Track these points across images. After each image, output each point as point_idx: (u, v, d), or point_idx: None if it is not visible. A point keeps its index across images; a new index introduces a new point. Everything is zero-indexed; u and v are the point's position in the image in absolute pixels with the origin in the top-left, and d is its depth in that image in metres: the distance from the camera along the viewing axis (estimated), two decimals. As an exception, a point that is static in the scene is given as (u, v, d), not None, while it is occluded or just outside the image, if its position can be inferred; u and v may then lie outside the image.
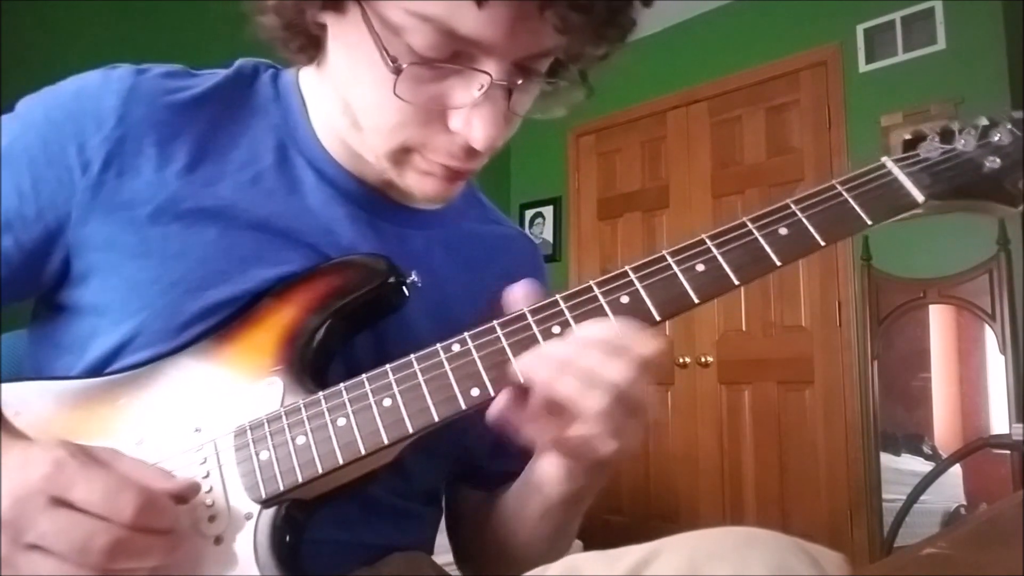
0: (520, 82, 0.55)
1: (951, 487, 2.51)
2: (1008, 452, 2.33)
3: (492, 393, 0.52)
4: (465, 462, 0.74)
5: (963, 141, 0.55)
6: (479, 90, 0.53)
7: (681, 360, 3.35)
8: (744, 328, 3.20)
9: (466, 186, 0.74)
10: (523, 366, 0.52)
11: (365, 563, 0.64)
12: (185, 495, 0.50)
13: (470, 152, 0.57)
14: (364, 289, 0.58)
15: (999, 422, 2.45)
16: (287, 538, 0.52)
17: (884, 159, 0.56)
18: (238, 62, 0.68)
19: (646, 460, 3.44)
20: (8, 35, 2.38)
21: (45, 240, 0.59)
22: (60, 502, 0.45)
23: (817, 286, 3.00)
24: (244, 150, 0.64)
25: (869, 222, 0.54)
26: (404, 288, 0.59)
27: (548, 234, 3.91)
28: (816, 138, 3.08)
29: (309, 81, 0.67)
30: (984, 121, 0.56)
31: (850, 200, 0.55)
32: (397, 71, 0.52)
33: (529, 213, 4.01)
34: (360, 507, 0.62)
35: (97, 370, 0.59)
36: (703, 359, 3.29)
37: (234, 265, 0.60)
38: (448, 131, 0.56)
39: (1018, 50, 2.46)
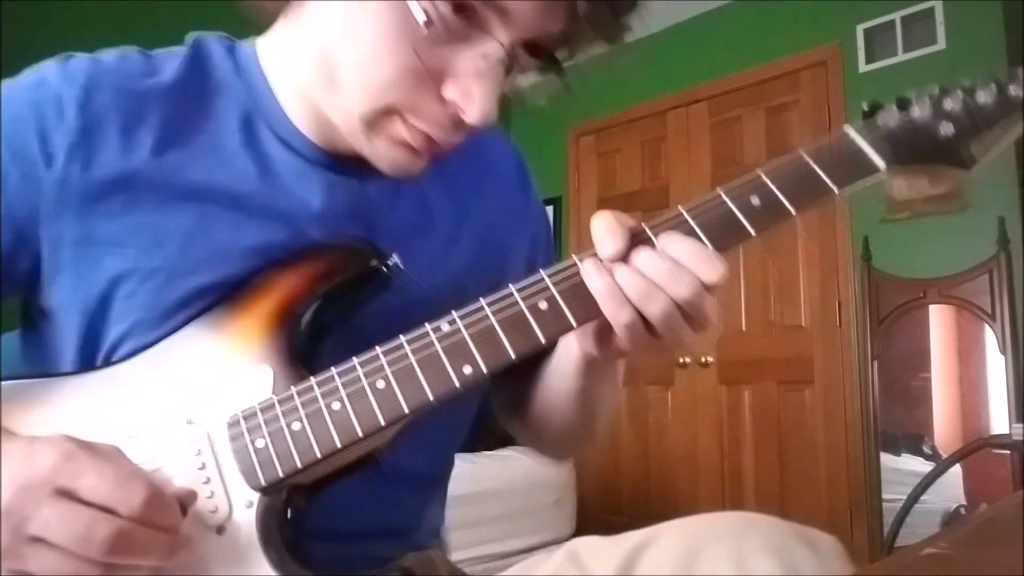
0: (522, 62, 0.55)
1: (951, 487, 2.51)
2: (1008, 452, 2.33)
3: (484, 370, 0.52)
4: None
5: (918, 109, 0.58)
6: (486, 60, 0.53)
7: (681, 360, 3.35)
8: (744, 328, 3.19)
9: None
10: (592, 270, 0.53)
11: (375, 548, 0.64)
12: (185, 502, 0.50)
13: (458, 124, 0.56)
14: (348, 274, 0.58)
15: (999, 422, 2.45)
16: (290, 523, 0.52)
17: (846, 127, 0.58)
18: (192, 39, 0.66)
19: (646, 460, 3.45)
20: (8, 34, 2.38)
21: (14, 239, 0.58)
22: (65, 493, 0.45)
23: (817, 286, 3.00)
24: (211, 132, 0.62)
25: (835, 189, 0.56)
26: (387, 270, 0.59)
27: (548, 234, 3.91)
28: (816, 138, 3.07)
29: (270, 48, 0.65)
30: (936, 90, 0.59)
31: (816, 168, 0.56)
32: (428, 24, 0.51)
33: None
34: (362, 490, 0.61)
35: (86, 365, 0.58)
36: (703, 359, 3.28)
37: (213, 249, 0.59)
38: (439, 99, 0.55)
39: (1018, 50, 2.46)
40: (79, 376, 0.57)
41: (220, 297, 0.58)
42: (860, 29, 2.97)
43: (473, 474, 2.88)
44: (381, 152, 0.59)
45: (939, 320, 2.72)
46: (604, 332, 0.55)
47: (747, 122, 3.30)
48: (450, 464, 0.75)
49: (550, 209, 3.95)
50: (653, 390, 3.47)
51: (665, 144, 3.58)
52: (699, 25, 3.44)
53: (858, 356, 2.83)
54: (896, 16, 2.87)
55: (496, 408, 0.79)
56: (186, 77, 0.63)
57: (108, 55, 0.62)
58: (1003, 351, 2.46)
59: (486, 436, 3.46)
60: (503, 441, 3.53)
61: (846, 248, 2.91)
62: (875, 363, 2.74)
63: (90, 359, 0.59)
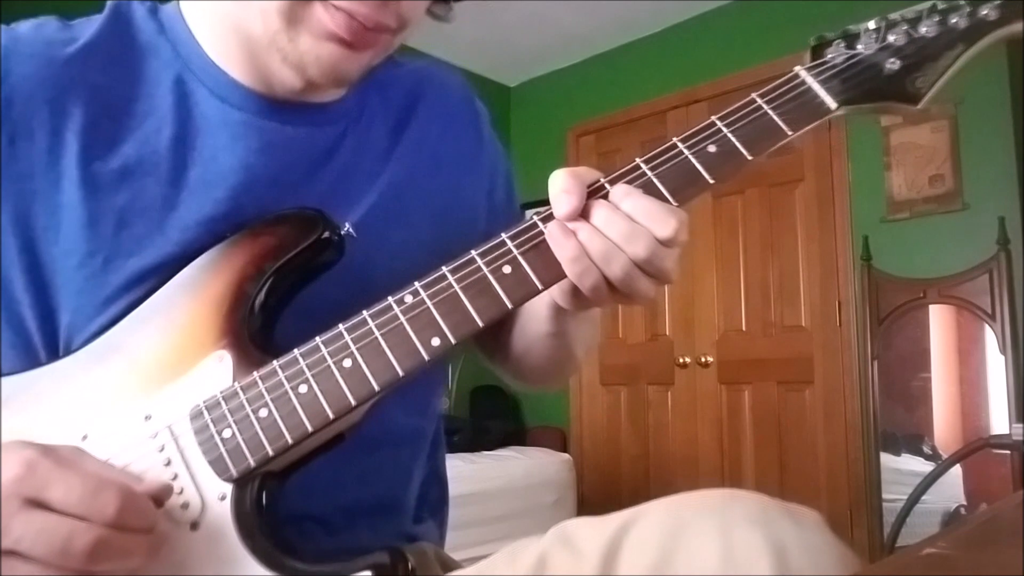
0: None
1: (951, 487, 2.51)
2: (1008, 452, 2.33)
3: (452, 341, 0.52)
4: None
5: (863, 44, 0.58)
6: None
7: (681, 360, 3.35)
8: (744, 328, 3.19)
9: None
10: (555, 232, 0.53)
11: (363, 529, 0.62)
12: (160, 497, 0.48)
13: None
14: (298, 248, 0.56)
15: (999, 422, 2.45)
16: (267, 511, 0.51)
17: (797, 68, 0.58)
18: (109, 2, 0.63)
19: (646, 460, 3.44)
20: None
21: None
22: (35, 503, 0.42)
23: (817, 286, 3.00)
24: (142, 100, 0.59)
25: (789, 132, 0.56)
26: (340, 239, 0.57)
27: (548, 234, 3.90)
28: (816, 138, 3.07)
29: (191, 3, 0.62)
30: (882, 23, 0.59)
31: (770, 112, 0.56)
32: None
33: (529, 213, 3.99)
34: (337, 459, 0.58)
35: (30, 360, 0.56)
36: (703, 359, 3.29)
37: (151, 228, 0.56)
38: None
39: (1018, 50, 2.46)
40: (21, 376, 0.54)
41: (163, 279, 0.55)
42: (860, 29, 2.97)
43: (473, 474, 2.88)
44: (309, 53, 0.56)
45: (939, 320, 2.72)
46: (571, 287, 0.55)
47: (747, 122, 3.30)
48: (434, 414, 0.72)
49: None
50: (653, 390, 3.47)
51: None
52: (699, 25, 3.44)
53: (858, 356, 2.83)
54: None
55: (477, 350, 0.78)
56: (107, 41, 0.60)
57: (23, 25, 0.59)
58: (1003, 351, 2.46)
59: (486, 436, 3.46)
60: (503, 441, 3.54)
61: (846, 248, 2.91)
62: (875, 363, 2.74)
63: (32, 355, 0.56)
